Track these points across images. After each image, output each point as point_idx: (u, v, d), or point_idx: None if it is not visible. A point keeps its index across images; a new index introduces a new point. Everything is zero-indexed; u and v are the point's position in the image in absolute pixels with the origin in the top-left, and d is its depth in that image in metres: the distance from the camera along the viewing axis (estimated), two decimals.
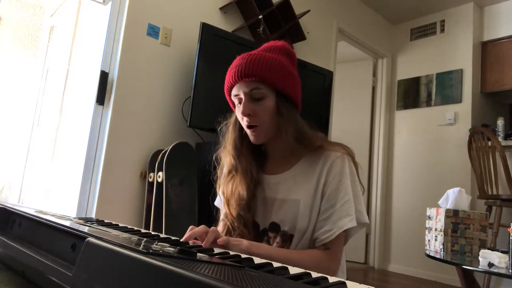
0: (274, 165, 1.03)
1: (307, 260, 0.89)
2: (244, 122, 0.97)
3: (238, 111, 0.98)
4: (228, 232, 0.99)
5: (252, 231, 0.99)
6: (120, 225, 0.88)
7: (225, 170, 1.05)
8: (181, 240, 0.77)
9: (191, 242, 0.77)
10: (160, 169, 2.09)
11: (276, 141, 1.00)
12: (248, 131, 0.98)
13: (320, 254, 0.91)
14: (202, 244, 0.74)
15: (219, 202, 1.12)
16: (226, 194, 1.02)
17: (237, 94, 0.96)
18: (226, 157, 1.04)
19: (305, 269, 0.52)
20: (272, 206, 0.99)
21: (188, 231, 0.80)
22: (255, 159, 1.04)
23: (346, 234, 0.95)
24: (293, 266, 0.56)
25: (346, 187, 0.94)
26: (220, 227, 1.03)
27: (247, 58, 0.95)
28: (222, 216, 1.05)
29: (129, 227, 0.85)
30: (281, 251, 0.90)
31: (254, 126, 0.96)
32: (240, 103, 0.96)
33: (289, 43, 1.10)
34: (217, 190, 1.09)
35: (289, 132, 0.96)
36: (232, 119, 1.05)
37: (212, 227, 0.79)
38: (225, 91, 1.01)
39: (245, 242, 0.83)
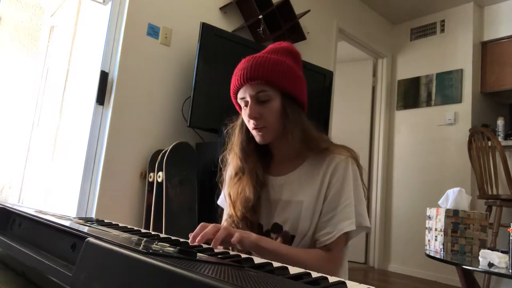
0: (279, 167, 1.03)
1: (310, 259, 0.89)
2: (250, 124, 0.98)
3: (244, 114, 0.99)
4: None
5: (256, 232, 0.99)
6: (120, 225, 0.88)
7: (231, 172, 1.05)
8: (190, 241, 0.76)
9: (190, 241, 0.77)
10: (160, 169, 2.09)
11: (281, 142, 1.00)
12: (254, 132, 0.98)
13: (322, 254, 0.92)
14: (211, 244, 0.74)
15: (222, 201, 1.12)
16: (233, 196, 1.02)
17: (243, 97, 0.97)
18: (232, 159, 1.05)
19: (307, 268, 0.52)
20: (276, 207, 0.99)
21: (198, 228, 0.80)
22: (261, 161, 1.04)
23: (346, 237, 0.95)
24: (297, 263, 0.56)
25: (348, 191, 0.95)
26: None
27: (252, 61, 0.95)
28: (226, 216, 1.05)
29: (129, 227, 0.85)
30: (287, 248, 0.91)
31: (261, 127, 0.96)
32: (246, 105, 0.97)
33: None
34: (223, 190, 1.09)
35: (295, 133, 0.96)
36: (239, 121, 1.05)
37: (224, 225, 0.79)
38: (231, 94, 1.02)
39: (254, 235, 0.84)
